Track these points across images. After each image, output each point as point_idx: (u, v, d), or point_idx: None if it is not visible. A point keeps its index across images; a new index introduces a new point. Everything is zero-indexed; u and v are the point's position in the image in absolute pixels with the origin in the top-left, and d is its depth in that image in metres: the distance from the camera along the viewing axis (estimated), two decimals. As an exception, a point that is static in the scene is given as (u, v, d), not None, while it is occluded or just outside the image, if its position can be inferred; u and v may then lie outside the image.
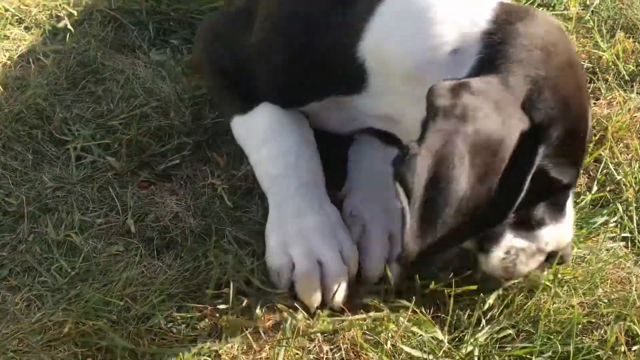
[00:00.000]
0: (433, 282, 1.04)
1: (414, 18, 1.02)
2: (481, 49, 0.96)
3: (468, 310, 1.04)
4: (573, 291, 1.10)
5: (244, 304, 1.00)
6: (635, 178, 1.33)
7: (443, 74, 0.96)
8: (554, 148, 0.95)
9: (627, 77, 1.58)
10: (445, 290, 1.03)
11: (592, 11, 1.80)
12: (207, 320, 0.99)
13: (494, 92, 0.91)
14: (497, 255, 1.02)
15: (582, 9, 1.81)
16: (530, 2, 1.77)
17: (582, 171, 1.23)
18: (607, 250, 1.17)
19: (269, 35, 1.15)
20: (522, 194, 0.92)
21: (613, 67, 1.61)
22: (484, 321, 1.03)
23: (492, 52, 0.95)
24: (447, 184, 0.86)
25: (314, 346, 0.97)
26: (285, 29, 1.13)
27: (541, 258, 1.06)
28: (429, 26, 0.99)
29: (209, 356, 0.94)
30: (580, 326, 1.04)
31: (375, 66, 1.05)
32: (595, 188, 1.30)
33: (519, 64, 0.94)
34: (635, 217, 1.26)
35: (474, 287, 1.04)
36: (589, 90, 1.49)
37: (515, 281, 1.07)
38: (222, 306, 1.00)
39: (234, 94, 1.22)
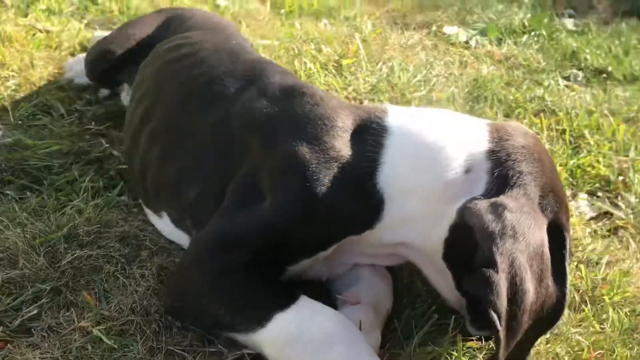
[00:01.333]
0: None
1: (423, 148, 1.10)
2: (492, 166, 1.07)
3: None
4: None
5: None
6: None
7: (460, 191, 1.06)
8: None
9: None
10: None
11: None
12: None
13: (525, 206, 1.03)
14: None
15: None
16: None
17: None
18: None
19: (296, 200, 1.09)
20: (569, 278, 1.05)
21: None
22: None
23: (504, 168, 1.07)
24: (522, 296, 0.97)
25: None
26: (309, 184, 1.09)
27: None
28: (441, 154, 1.09)
29: None
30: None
31: (393, 194, 1.09)
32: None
33: (530, 176, 1.07)
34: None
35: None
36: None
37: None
38: None
39: (262, 290, 1.06)
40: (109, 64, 1.79)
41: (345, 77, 2.23)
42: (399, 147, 1.12)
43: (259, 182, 1.13)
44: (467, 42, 2.84)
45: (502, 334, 0.94)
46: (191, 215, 1.23)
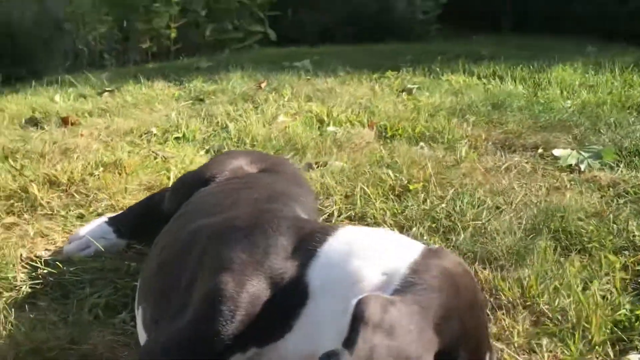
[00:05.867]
0: None
1: (347, 251, 1.17)
2: (406, 273, 1.09)
3: None
4: None
5: None
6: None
7: (371, 288, 1.09)
8: None
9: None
10: None
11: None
12: None
13: (415, 315, 1.02)
14: None
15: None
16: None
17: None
18: None
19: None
20: None
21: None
22: None
23: (415, 277, 1.09)
24: None
25: None
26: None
27: None
28: (361, 256, 1.15)
29: None
30: None
31: (318, 288, 1.15)
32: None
33: (436, 293, 1.07)
34: None
35: None
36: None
37: None
38: None
39: None
40: None
41: (405, 202, 2.18)
42: (328, 251, 1.19)
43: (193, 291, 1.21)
44: (574, 166, 2.58)
45: None
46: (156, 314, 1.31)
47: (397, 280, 1.09)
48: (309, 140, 2.96)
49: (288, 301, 1.15)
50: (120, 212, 2.11)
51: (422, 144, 2.90)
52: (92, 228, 1.96)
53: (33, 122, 3.55)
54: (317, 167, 2.54)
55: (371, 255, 1.14)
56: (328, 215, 2.14)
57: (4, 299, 1.68)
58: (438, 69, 4.65)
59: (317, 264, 1.17)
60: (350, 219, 2.12)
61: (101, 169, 2.56)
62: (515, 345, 1.46)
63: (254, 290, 1.15)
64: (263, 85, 4.20)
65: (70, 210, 2.23)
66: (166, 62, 6.23)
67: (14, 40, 5.71)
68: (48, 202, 2.27)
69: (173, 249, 1.42)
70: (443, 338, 1.03)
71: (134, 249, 1.94)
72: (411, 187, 2.28)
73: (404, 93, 4.01)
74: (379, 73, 4.68)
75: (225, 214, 1.44)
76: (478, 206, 2.13)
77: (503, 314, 1.57)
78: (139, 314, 1.42)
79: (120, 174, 2.53)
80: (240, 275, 1.17)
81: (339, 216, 2.14)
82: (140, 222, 1.97)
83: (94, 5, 6.47)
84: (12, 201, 2.27)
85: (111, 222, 1.99)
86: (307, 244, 1.22)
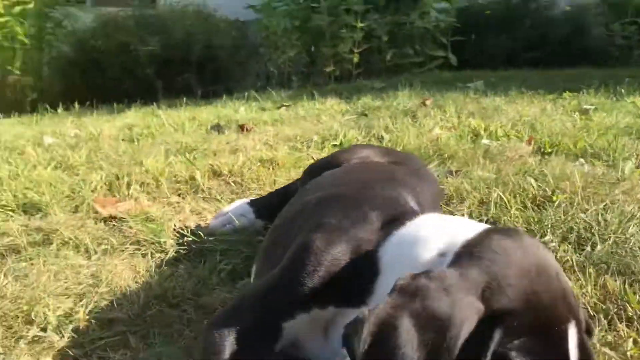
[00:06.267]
0: None
1: (413, 236, 1.20)
2: (459, 250, 1.09)
3: None
4: None
5: None
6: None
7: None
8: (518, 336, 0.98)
9: (592, 313, 1.47)
10: None
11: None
12: None
13: (448, 279, 1.00)
14: None
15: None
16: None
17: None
18: None
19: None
20: None
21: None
22: None
23: (464, 251, 1.08)
24: (389, 351, 0.93)
25: None
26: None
27: None
28: (422, 239, 1.17)
29: None
30: None
31: (387, 265, 1.19)
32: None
33: (480, 260, 1.04)
34: None
35: None
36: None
37: None
38: None
39: None
40: None
41: (544, 212, 2.07)
42: (403, 233, 1.23)
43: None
44: None
45: None
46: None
47: (449, 258, 1.09)
48: (458, 150, 2.93)
49: (364, 272, 1.20)
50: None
51: (581, 160, 2.72)
52: (235, 207, 2.17)
53: (216, 128, 3.97)
54: (458, 174, 2.51)
55: (436, 239, 1.15)
56: (458, 218, 2.11)
57: (154, 258, 1.93)
58: (623, 91, 4.30)
59: (390, 242, 1.22)
60: (481, 223, 2.07)
61: (258, 164, 2.80)
62: (628, 355, 1.32)
63: (335, 252, 1.23)
64: (428, 102, 4.23)
65: (224, 196, 2.48)
66: (345, 84, 6.53)
67: (215, 62, 6.43)
68: (208, 188, 2.55)
69: (286, 216, 1.54)
70: (491, 304, 0.99)
71: (269, 228, 2.10)
72: (554, 198, 2.16)
73: (577, 113, 3.77)
74: (555, 94, 4.45)
75: (336, 189, 1.52)
76: (626, 221, 1.95)
77: (625, 325, 1.43)
78: (252, 274, 1.56)
79: (273, 169, 2.75)
80: (328, 237, 1.25)
81: (470, 219, 2.10)
82: (277, 205, 2.12)
83: (286, 31, 7.03)
84: (179, 185, 2.58)
85: (252, 203, 2.18)
86: (391, 224, 1.27)
